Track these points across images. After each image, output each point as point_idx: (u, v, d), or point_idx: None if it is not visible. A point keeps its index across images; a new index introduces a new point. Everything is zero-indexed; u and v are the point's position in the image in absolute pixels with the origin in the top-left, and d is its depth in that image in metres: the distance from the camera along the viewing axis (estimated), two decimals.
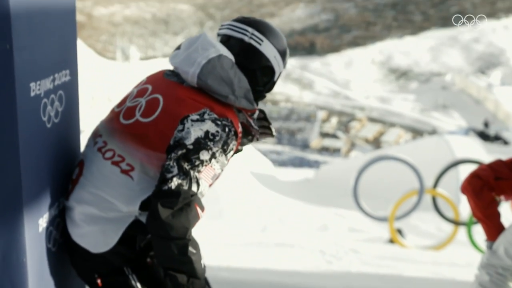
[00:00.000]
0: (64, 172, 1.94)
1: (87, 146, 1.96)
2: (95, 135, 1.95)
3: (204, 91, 1.84)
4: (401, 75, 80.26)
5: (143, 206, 1.81)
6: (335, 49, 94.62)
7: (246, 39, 1.90)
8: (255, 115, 2.00)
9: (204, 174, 1.75)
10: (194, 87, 1.85)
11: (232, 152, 1.84)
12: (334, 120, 61.21)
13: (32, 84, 1.65)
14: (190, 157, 1.73)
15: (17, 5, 1.53)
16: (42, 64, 1.72)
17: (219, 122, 1.78)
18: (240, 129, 1.88)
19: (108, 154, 1.84)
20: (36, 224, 1.75)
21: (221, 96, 1.83)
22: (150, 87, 1.91)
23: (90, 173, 1.86)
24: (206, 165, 1.75)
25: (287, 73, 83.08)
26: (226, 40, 1.94)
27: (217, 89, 1.82)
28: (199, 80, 1.82)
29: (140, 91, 1.92)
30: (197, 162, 1.73)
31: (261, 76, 1.95)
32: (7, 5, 1.50)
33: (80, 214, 1.86)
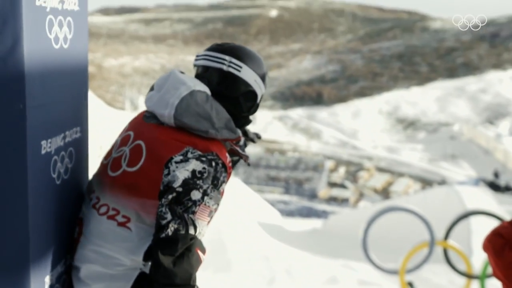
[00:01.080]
0: (71, 228, 1.94)
1: (84, 203, 1.95)
2: (89, 191, 1.94)
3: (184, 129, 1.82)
4: (409, 125, 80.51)
5: (147, 257, 1.79)
6: (342, 99, 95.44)
7: (225, 67, 1.88)
8: (241, 142, 1.98)
9: (200, 214, 1.72)
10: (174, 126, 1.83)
11: (224, 185, 1.81)
12: (342, 170, 61.03)
13: (43, 142, 1.68)
14: (181, 199, 1.70)
15: (31, 65, 1.57)
16: (54, 122, 1.75)
17: (204, 158, 1.75)
18: (228, 159, 1.85)
19: (103, 210, 1.83)
20: (43, 282, 1.74)
21: (201, 131, 1.80)
22: (132, 134, 1.89)
23: (88, 231, 1.85)
24: (199, 205, 1.71)
25: (294, 122, 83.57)
26: (204, 71, 1.92)
27: (195, 126, 1.79)
28: (176, 120, 1.79)
29: (123, 140, 1.91)
30: (190, 204, 1.70)
31: (244, 102, 1.92)
32: (22, 66, 1.53)
33: (85, 273, 1.84)
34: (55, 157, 1.77)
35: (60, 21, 1.74)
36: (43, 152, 1.67)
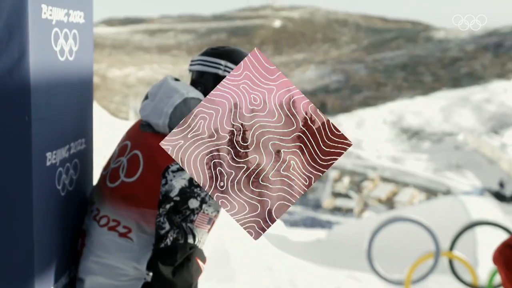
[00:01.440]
0: (76, 240, 1.94)
1: (86, 215, 1.94)
2: (90, 202, 1.94)
3: None
4: (413, 135, 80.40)
5: (149, 267, 1.79)
6: (346, 109, 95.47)
7: (220, 72, 1.87)
8: None
9: (199, 222, 1.71)
10: None
11: None
12: (346, 180, 60.83)
13: (48, 154, 1.68)
14: (179, 208, 1.70)
15: (37, 78, 1.58)
16: (59, 134, 1.76)
17: None
18: None
19: (103, 221, 1.83)
20: None
21: None
22: (129, 144, 1.89)
23: (90, 242, 1.85)
24: (198, 213, 1.71)
25: None
26: (199, 76, 1.90)
27: None
28: (170, 129, 1.79)
29: (121, 150, 1.91)
30: (188, 212, 1.70)
31: None
32: (28, 78, 1.54)
33: (90, 285, 1.84)
34: (60, 168, 1.77)
35: (66, 34, 1.75)
36: (48, 163, 1.68)
